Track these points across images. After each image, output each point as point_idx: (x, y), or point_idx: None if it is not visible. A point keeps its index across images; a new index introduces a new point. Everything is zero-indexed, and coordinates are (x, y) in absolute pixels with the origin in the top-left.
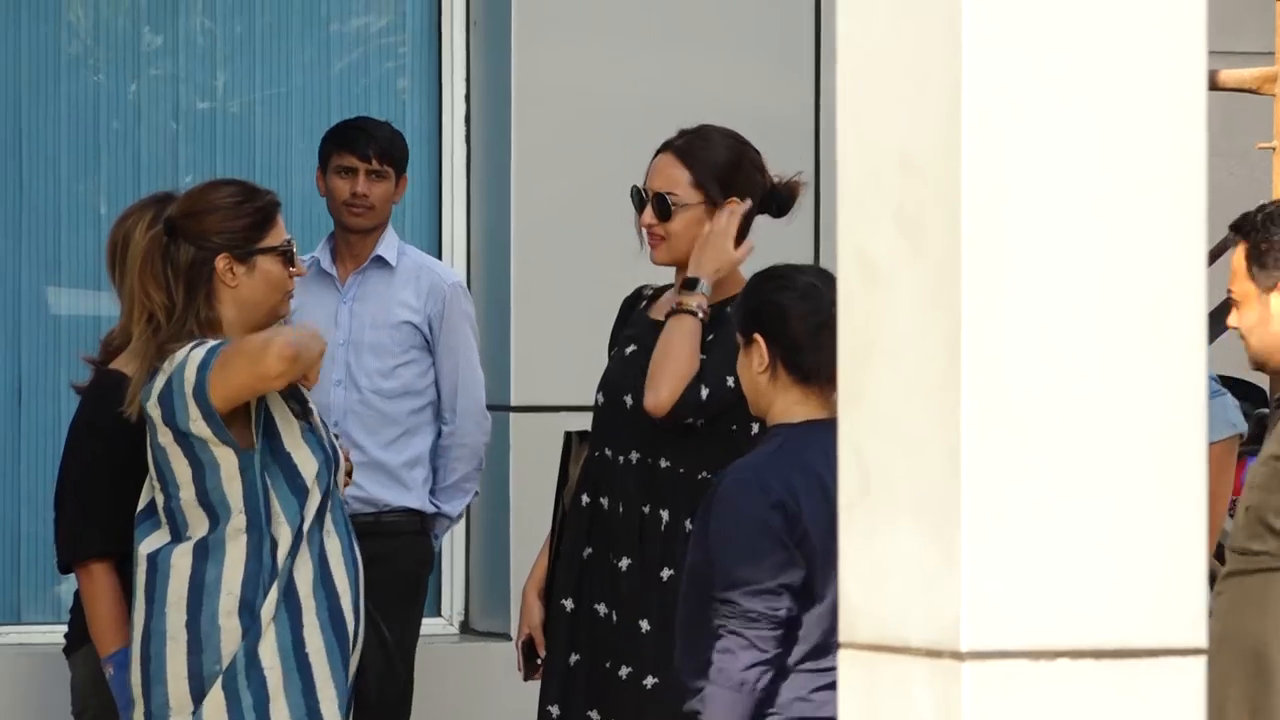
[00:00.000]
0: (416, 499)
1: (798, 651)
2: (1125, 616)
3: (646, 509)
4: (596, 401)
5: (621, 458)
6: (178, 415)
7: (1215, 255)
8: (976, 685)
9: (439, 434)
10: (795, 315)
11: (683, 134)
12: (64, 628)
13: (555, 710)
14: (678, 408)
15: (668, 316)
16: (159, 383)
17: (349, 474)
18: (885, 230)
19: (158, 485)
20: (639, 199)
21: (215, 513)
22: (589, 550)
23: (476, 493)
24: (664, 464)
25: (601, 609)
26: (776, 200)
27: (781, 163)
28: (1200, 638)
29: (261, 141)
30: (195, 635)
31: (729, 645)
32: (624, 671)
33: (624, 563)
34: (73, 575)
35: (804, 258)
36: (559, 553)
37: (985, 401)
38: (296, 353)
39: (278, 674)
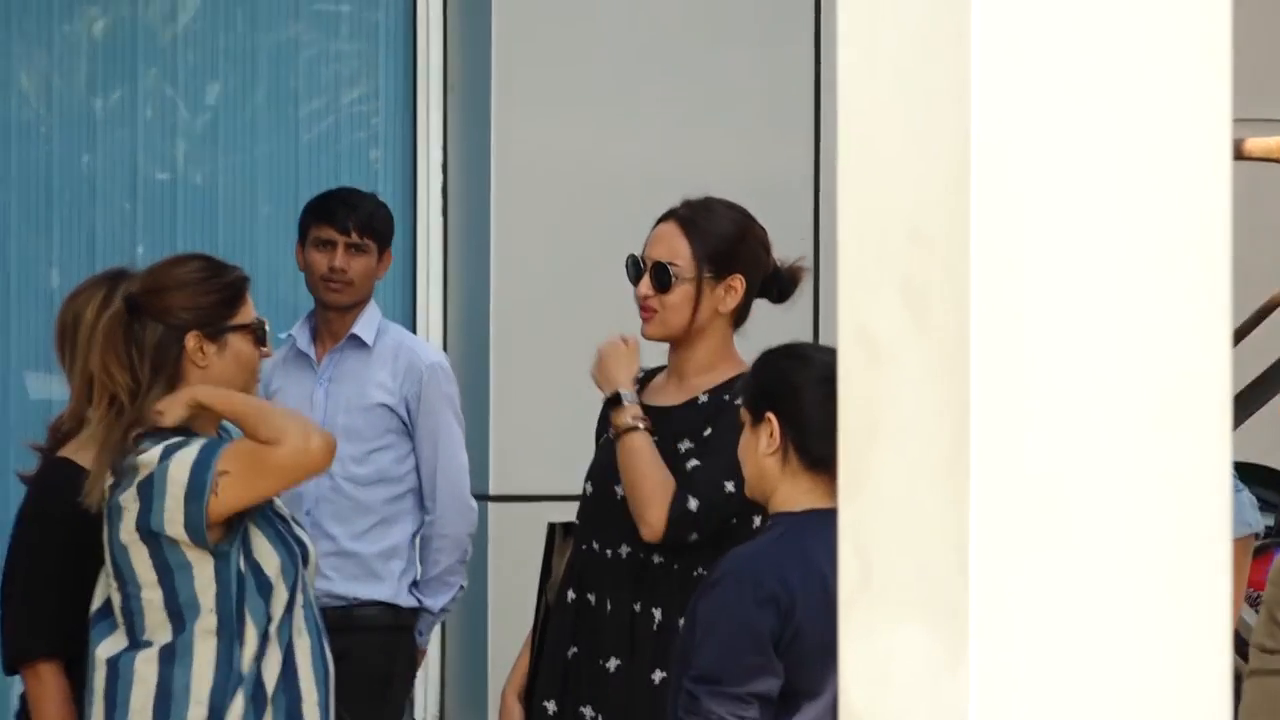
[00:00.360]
0: (390, 592)
1: None
2: None
3: (638, 607)
4: (584, 491)
5: (610, 551)
6: (153, 515)
7: (1241, 335)
8: None
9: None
10: (812, 398)
11: (687, 204)
12: None
13: None
14: (675, 529)
15: (614, 439)
16: (137, 475)
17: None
18: (889, 304)
19: (115, 584)
20: (635, 269)
21: (182, 615)
22: (574, 650)
23: (463, 587)
24: (657, 559)
25: (588, 713)
26: (778, 285)
27: (779, 233)
28: None
29: (225, 215)
30: None
31: None
32: None
33: (612, 664)
34: (19, 676)
35: (803, 332)
36: (542, 652)
37: (996, 489)
38: (333, 440)
39: None
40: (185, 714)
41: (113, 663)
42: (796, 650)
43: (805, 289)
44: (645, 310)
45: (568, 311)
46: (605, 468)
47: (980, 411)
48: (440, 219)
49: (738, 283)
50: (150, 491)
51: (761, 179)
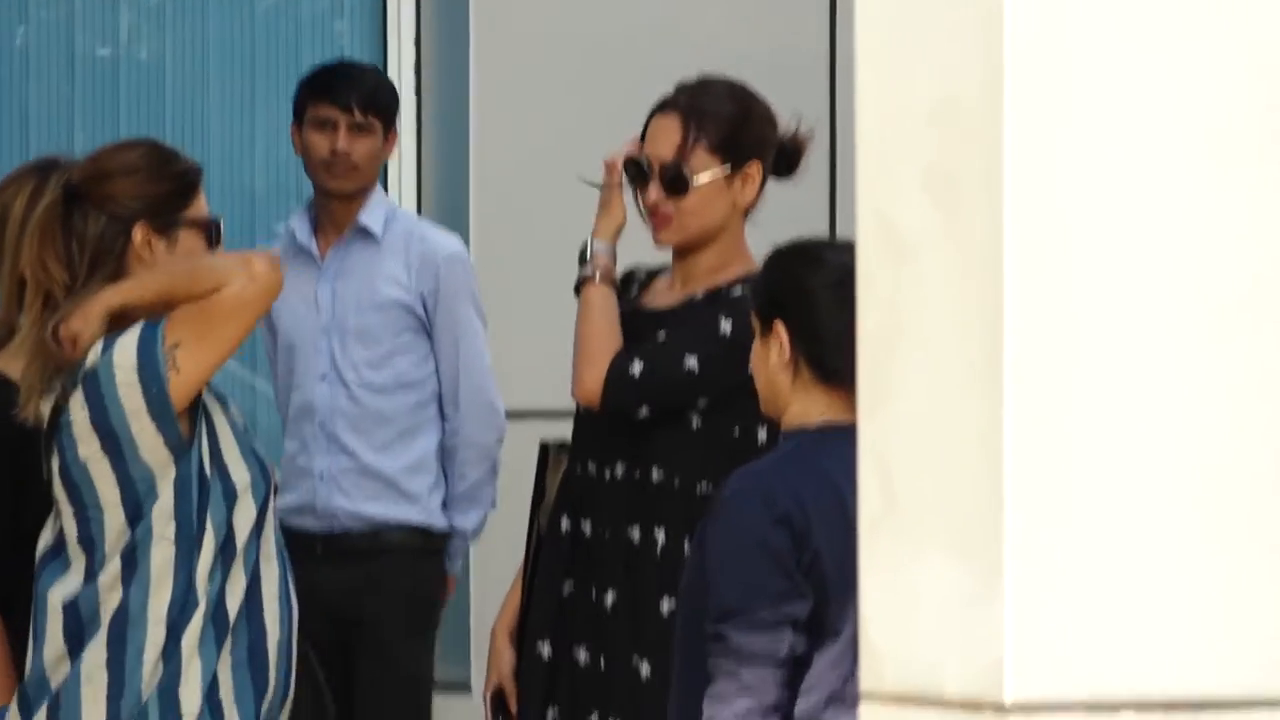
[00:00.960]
0: (420, 512)
1: (810, 701)
2: (1202, 661)
3: (636, 533)
4: (577, 406)
5: (607, 472)
6: (110, 410)
7: None
8: None
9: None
10: (825, 305)
11: (683, 90)
12: None
13: None
14: (611, 391)
15: (575, 293)
16: (81, 374)
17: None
18: (913, 194)
19: (69, 512)
20: (639, 171)
21: (141, 526)
22: (569, 584)
23: (494, 502)
24: (657, 476)
25: (582, 656)
26: (785, 159)
27: (788, 114)
28: None
29: (173, 94)
30: (118, 675)
31: (721, 690)
32: None
33: (610, 597)
34: None
35: (818, 226)
36: (533, 587)
37: (1033, 403)
38: (276, 255)
39: None
40: (144, 637)
41: (71, 606)
42: (815, 579)
43: (820, 171)
44: (658, 217)
45: (558, 203)
46: None
47: (1015, 314)
48: (414, 98)
49: (754, 169)
50: (98, 384)
51: (769, 52)
